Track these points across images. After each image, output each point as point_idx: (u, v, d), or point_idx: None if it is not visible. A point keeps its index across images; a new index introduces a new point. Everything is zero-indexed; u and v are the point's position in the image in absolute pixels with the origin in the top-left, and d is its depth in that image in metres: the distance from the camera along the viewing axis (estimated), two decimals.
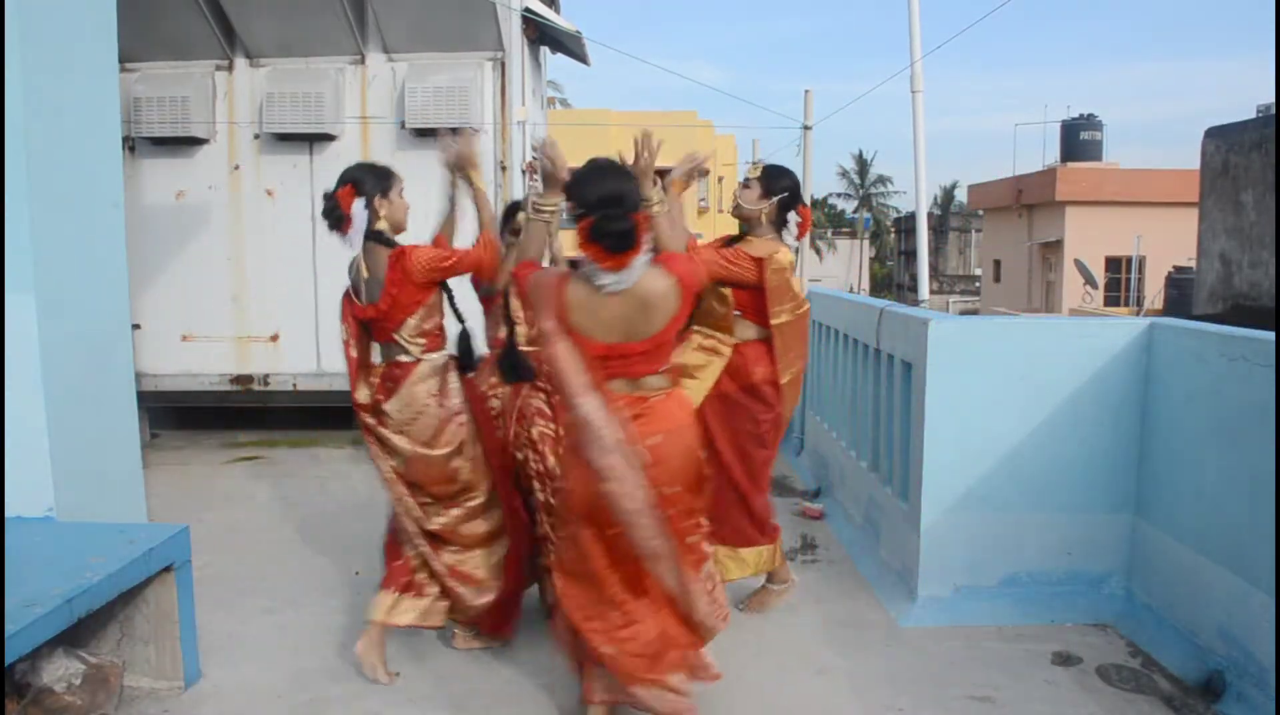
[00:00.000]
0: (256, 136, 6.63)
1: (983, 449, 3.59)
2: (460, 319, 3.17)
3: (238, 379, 6.77)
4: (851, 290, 32.07)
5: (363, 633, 3.10)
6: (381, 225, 3.00)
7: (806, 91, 14.25)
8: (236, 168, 6.69)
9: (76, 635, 2.83)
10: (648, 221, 2.47)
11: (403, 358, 3.03)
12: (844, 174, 46.27)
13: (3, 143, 2.94)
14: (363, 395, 3.07)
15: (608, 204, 2.36)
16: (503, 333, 3.45)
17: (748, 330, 3.42)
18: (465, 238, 3.27)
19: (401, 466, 3.07)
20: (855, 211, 46.31)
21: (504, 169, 6.57)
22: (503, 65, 6.54)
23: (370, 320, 3.02)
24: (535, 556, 3.48)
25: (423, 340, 3.02)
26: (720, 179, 27.51)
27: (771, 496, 3.80)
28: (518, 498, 3.40)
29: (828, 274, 37.59)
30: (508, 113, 6.57)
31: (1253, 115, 14.09)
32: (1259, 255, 10.69)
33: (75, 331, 3.26)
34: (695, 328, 3.46)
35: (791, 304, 3.38)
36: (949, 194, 44.55)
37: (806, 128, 14.13)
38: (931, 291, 17.87)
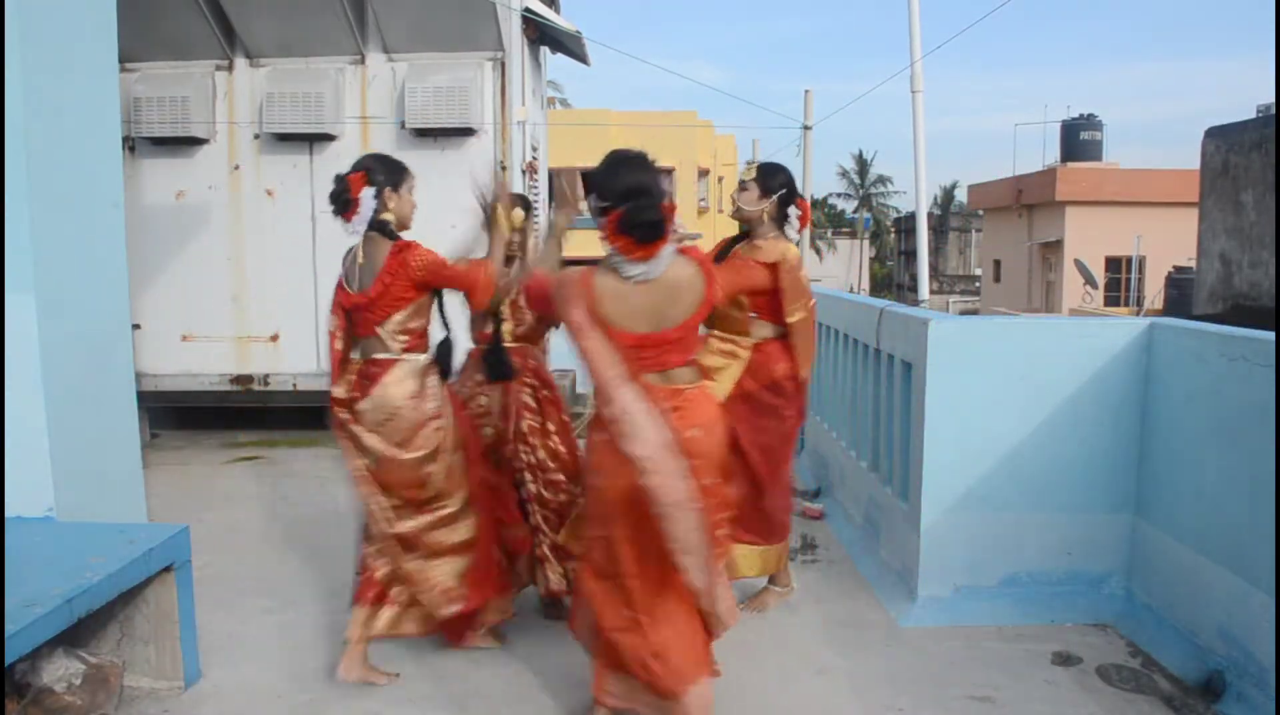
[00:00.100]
0: (256, 136, 6.64)
1: (983, 449, 3.59)
2: (446, 326, 3.11)
3: (238, 379, 6.77)
4: (851, 290, 32.08)
5: (343, 653, 3.02)
6: (388, 217, 2.98)
7: (806, 91, 14.29)
8: (236, 168, 6.69)
9: (76, 635, 2.83)
10: (673, 210, 2.48)
11: (380, 355, 2.96)
12: (844, 174, 46.31)
13: (3, 143, 2.94)
14: (340, 391, 3.00)
15: (635, 195, 2.38)
16: (489, 329, 3.47)
17: (764, 329, 3.48)
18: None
19: (373, 466, 2.99)
20: (855, 211, 46.33)
21: (504, 169, 6.57)
22: (503, 65, 6.54)
23: (356, 309, 2.96)
24: (531, 550, 3.51)
25: (405, 337, 2.96)
26: (720, 179, 27.53)
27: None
28: (502, 506, 3.37)
29: (828, 274, 37.61)
30: (508, 113, 6.57)
31: (1253, 115, 14.08)
32: (1259, 255, 10.69)
33: (75, 331, 3.26)
34: (712, 332, 3.51)
35: (804, 301, 3.45)
36: (949, 194, 44.57)
37: (806, 128, 14.15)
38: (931, 291, 17.89)
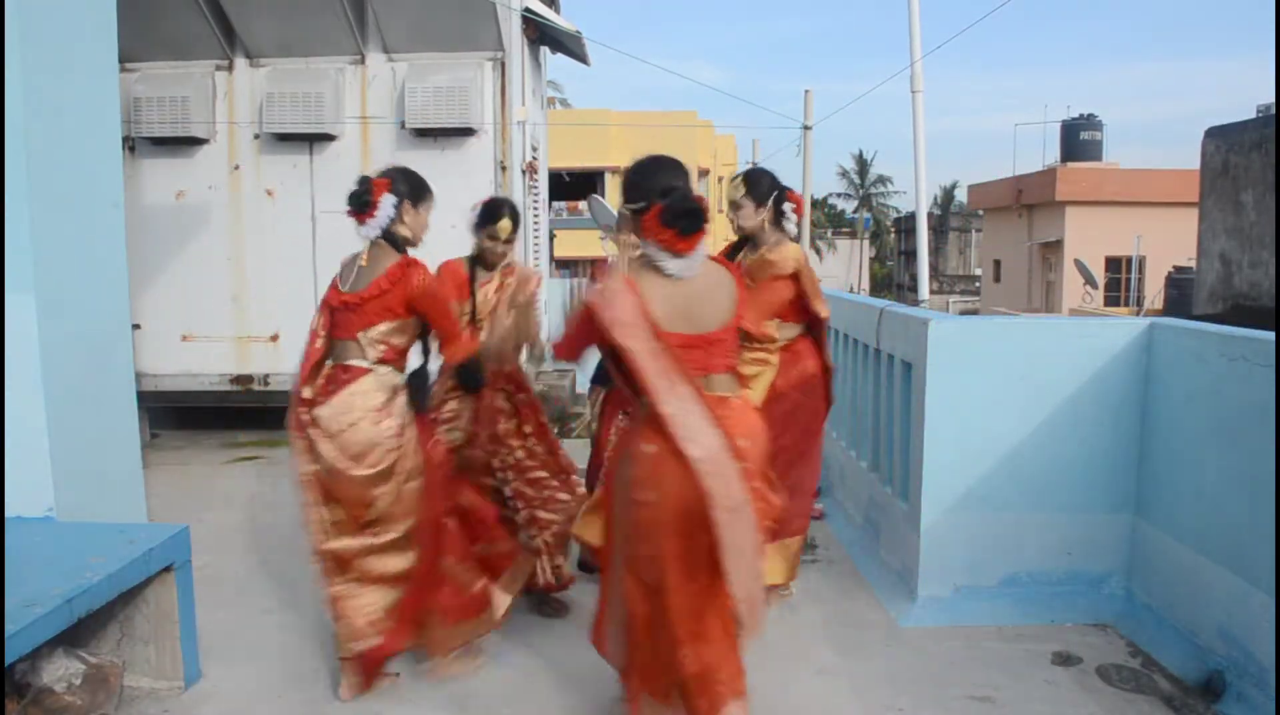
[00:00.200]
0: (256, 136, 6.64)
1: (983, 449, 3.59)
2: (425, 354, 3.05)
3: (238, 379, 6.77)
4: (851, 290, 32.10)
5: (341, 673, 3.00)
6: (401, 229, 2.95)
7: (806, 91, 14.29)
8: (236, 168, 6.69)
9: (76, 635, 2.83)
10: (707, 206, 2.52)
11: (354, 361, 2.87)
12: (844, 174, 46.32)
13: (3, 143, 2.94)
14: (307, 391, 2.92)
15: (672, 190, 2.41)
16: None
17: (790, 330, 3.55)
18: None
19: (324, 474, 2.87)
20: (855, 211, 46.35)
21: (504, 169, 6.57)
22: (503, 65, 6.55)
23: (344, 308, 2.90)
24: (514, 558, 3.51)
25: (383, 348, 2.88)
26: (720, 179, 27.53)
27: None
28: (479, 527, 3.26)
29: (828, 274, 37.62)
30: (508, 113, 6.57)
31: (1253, 115, 14.09)
32: (1259, 255, 10.69)
33: (75, 331, 3.26)
34: (742, 342, 3.53)
35: (821, 293, 3.55)
36: (949, 194, 44.58)
37: (806, 128, 14.15)
38: (931, 291, 17.89)
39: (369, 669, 2.97)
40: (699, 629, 2.41)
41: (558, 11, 8.25)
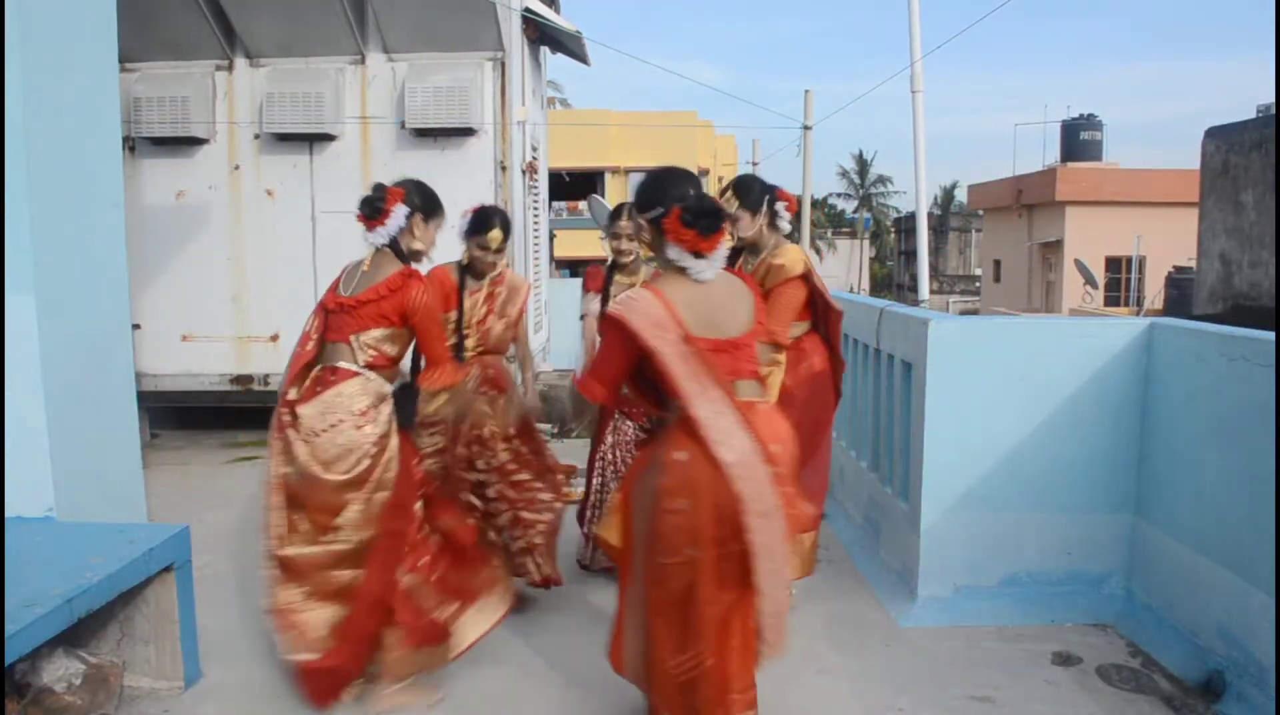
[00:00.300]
0: (256, 136, 6.64)
1: (983, 449, 3.59)
2: (415, 370, 3.02)
3: (238, 379, 6.77)
4: (851, 290, 32.11)
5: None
6: (409, 242, 2.94)
7: (806, 91, 14.30)
8: (236, 168, 6.69)
9: (76, 635, 2.83)
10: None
11: (343, 363, 2.84)
12: (844, 174, 46.30)
13: (3, 143, 2.94)
14: (293, 392, 2.88)
15: (688, 195, 2.46)
16: (451, 341, 3.48)
17: (797, 328, 3.55)
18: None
19: (294, 478, 2.80)
20: (855, 211, 46.34)
21: (504, 169, 6.57)
22: (503, 65, 6.55)
23: (339, 310, 2.87)
24: (510, 546, 3.60)
25: (373, 353, 2.85)
26: (720, 178, 27.53)
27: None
28: (411, 563, 2.97)
29: (828, 274, 37.60)
30: (508, 113, 6.57)
31: (1253, 115, 14.09)
32: (1259, 255, 10.69)
33: (75, 331, 3.26)
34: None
35: (827, 289, 3.57)
36: (949, 194, 44.57)
37: (806, 128, 14.15)
38: (931, 291, 17.90)
39: (323, 689, 2.86)
40: (724, 641, 2.39)
41: (558, 11, 8.25)
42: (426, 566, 2.89)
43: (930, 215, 19.13)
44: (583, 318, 4.29)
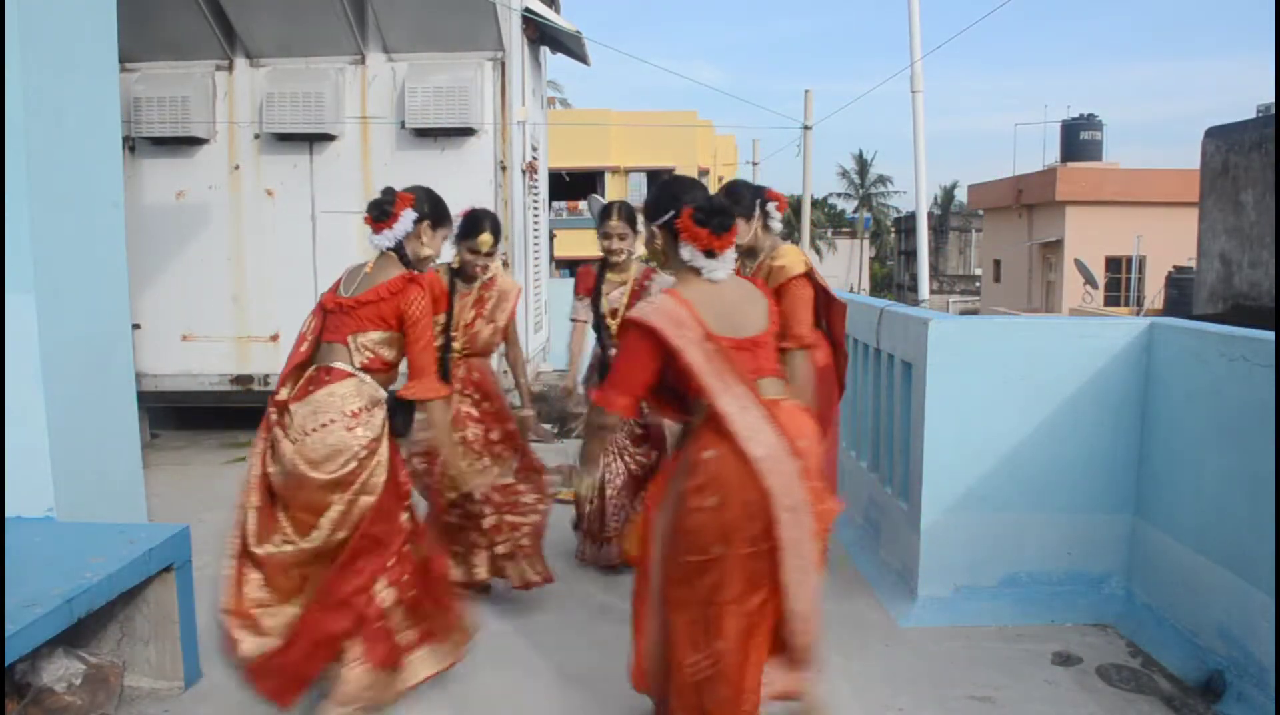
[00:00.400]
0: (256, 136, 6.64)
1: (983, 449, 3.59)
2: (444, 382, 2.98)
3: (238, 379, 6.77)
4: (851, 290, 32.09)
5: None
6: (415, 248, 2.91)
7: (806, 91, 14.30)
8: (236, 168, 6.69)
9: (76, 635, 2.83)
10: None
11: (339, 364, 2.78)
12: (844, 174, 46.27)
13: (3, 143, 2.94)
14: (284, 392, 2.82)
15: (694, 199, 2.48)
16: (439, 342, 3.50)
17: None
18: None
19: (278, 476, 2.73)
20: (855, 211, 46.32)
21: (504, 169, 6.57)
22: (503, 65, 6.55)
23: (338, 311, 2.83)
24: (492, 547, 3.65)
25: (369, 355, 2.79)
26: (720, 179, 27.53)
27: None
28: (392, 576, 2.84)
29: (828, 274, 37.21)
30: (508, 113, 6.57)
31: (1253, 115, 14.09)
32: (1259, 255, 10.70)
33: (75, 331, 3.26)
34: None
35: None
36: (949, 194, 44.56)
37: (806, 128, 14.16)
38: (931, 291, 17.89)
39: (280, 687, 2.72)
40: (745, 644, 2.37)
41: (558, 11, 8.25)
42: (405, 584, 2.79)
43: (930, 215, 19.13)
44: (573, 322, 4.32)
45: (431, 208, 2.94)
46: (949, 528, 3.62)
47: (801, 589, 2.34)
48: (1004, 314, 18.14)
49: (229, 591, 2.75)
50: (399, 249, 2.87)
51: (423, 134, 6.50)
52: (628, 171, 25.53)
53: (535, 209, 7.77)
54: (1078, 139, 26.76)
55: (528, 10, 7.04)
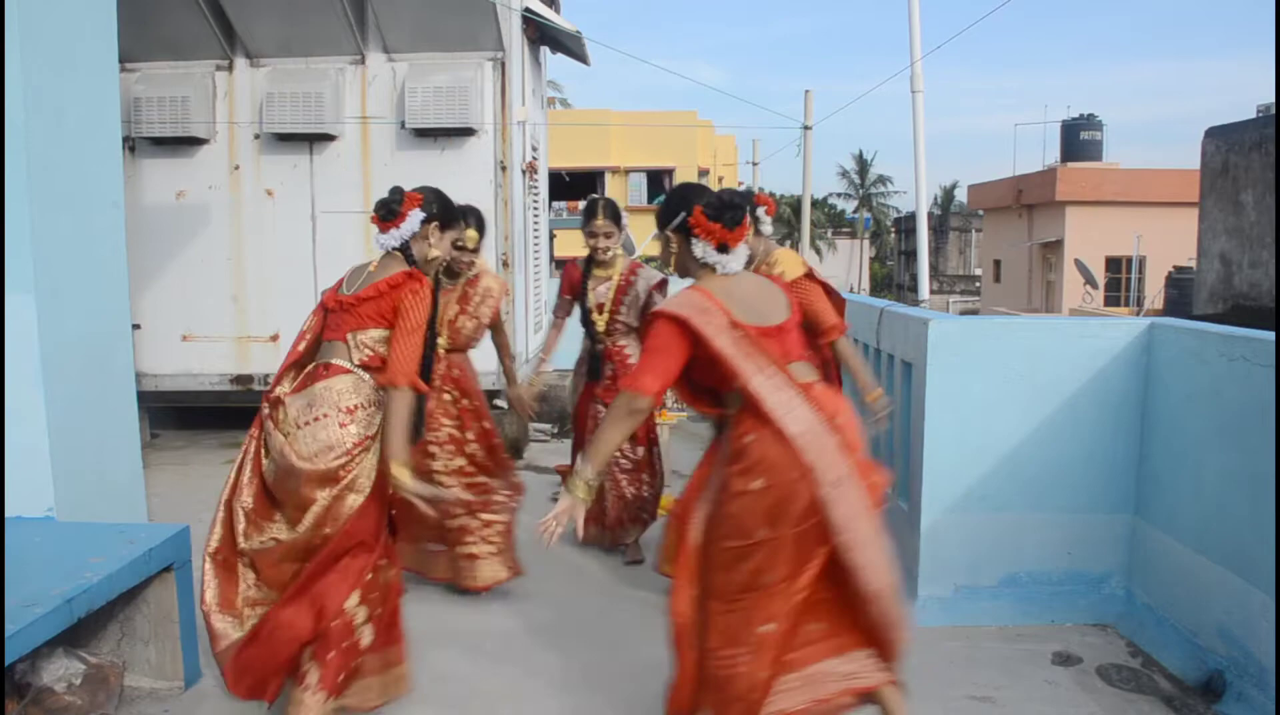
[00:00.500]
0: (256, 136, 6.63)
1: (983, 449, 3.59)
2: (425, 383, 2.89)
3: (238, 379, 6.77)
4: (852, 290, 32.08)
5: None
6: (429, 252, 2.88)
7: (806, 91, 14.29)
8: (236, 168, 6.69)
9: (76, 635, 2.83)
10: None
11: (337, 361, 2.73)
12: (844, 174, 46.30)
13: (3, 143, 2.94)
14: (280, 389, 2.77)
15: (709, 198, 2.52)
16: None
17: None
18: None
19: (269, 473, 2.70)
20: (855, 211, 46.33)
21: (504, 169, 6.57)
22: (503, 65, 6.54)
23: (339, 309, 2.79)
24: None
25: (369, 352, 2.73)
26: (720, 179, 27.53)
27: None
28: (373, 594, 2.75)
29: (828, 274, 37.26)
30: (508, 113, 6.56)
31: (1253, 115, 14.09)
32: (1259, 255, 10.70)
33: (75, 331, 3.26)
34: None
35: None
36: (949, 194, 44.57)
37: (806, 128, 14.15)
38: (931, 291, 17.88)
39: (249, 682, 2.66)
40: (790, 638, 2.33)
41: (558, 11, 8.25)
42: (374, 601, 2.70)
43: (930, 215, 19.13)
44: (555, 316, 4.35)
45: (440, 208, 2.90)
46: (949, 528, 3.62)
47: (871, 566, 2.29)
48: (1004, 314, 18.14)
49: (214, 589, 2.70)
50: (405, 249, 2.83)
51: (423, 134, 6.49)
52: (628, 171, 25.53)
53: (535, 209, 7.77)
54: (1078, 139, 26.76)
55: (528, 10, 7.03)
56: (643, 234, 15.33)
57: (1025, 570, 3.65)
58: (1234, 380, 3.01)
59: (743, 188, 29.51)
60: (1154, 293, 20.91)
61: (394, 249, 2.82)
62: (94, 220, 3.40)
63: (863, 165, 45.88)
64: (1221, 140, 11.50)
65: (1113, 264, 24.19)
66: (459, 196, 3.31)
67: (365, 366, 2.75)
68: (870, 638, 2.38)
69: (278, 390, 2.77)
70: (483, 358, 4.13)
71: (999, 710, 2.95)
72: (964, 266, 39.57)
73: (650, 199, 24.44)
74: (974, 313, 26.90)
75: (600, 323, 4.17)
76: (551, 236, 12.55)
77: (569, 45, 8.36)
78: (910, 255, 35.81)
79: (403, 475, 2.58)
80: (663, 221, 2.56)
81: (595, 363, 4.23)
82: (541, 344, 4.77)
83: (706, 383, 2.42)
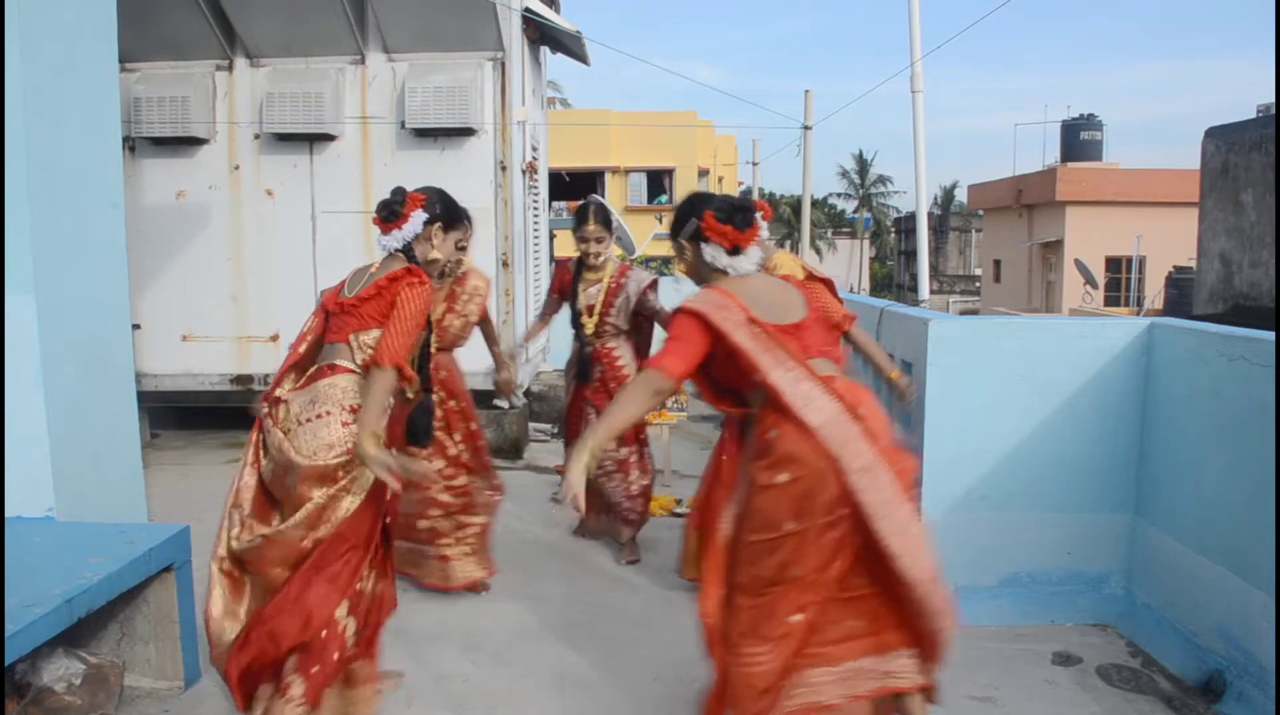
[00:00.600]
0: (257, 136, 6.64)
1: (983, 449, 3.59)
2: (427, 388, 2.87)
3: (238, 379, 6.77)
4: (852, 290, 32.09)
5: None
6: (432, 253, 2.85)
7: (806, 91, 14.29)
8: (237, 168, 6.69)
9: (76, 635, 2.83)
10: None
11: (340, 361, 2.68)
12: (844, 174, 46.31)
13: (3, 143, 2.94)
14: (280, 389, 2.73)
15: (718, 202, 2.55)
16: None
17: None
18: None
19: (267, 472, 2.67)
20: (855, 211, 46.34)
21: (504, 169, 6.57)
22: (503, 65, 6.54)
23: (340, 311, 2.75)
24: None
25: (371, 352, 2.66)
26: (720, 179, 27.52)
27: None
28: (356, 597, 2.68)
29: (828, 274, 37.55)
30: (508, 113, 6.56)
31: (1253, 115, 14.09)
32: (1259, 255, 10.70)
33: (75, 331, 3.26)
34: None
35: None
36: (949, 194, 44.58)
37: (806, 128, 14.14)
38: (932, 291, 17.88)
39: (247, 684, 2.63)
40: (838, 619, 2.33)
41: (558, 11, 8.25)
42: (362, 611, 2.66)
43: (930, 215, 19.12)
44: (541, 315, 4.38)
45: (444, 209, 2.88)
46: (949, 528, 3.61)
47: (909, 553, 2.27)
48: (1004, 314, 18.14)
49: (220, 602, 2.66)
50: (407, 251, 2.80)
51: (423, 134, 6.49)
52: (628, 171, 25.53)
53: (535, 209, 7.77)
54: (1078, 139, 26.76)
55: (528, 10, 7.03)
56: (643, 234, 15.33)
57: (1025, 570, 3.65)
58: (1234, 380, 3.01)
59: (743, 188, 29.55)
60: (1154, 293, 20.91)
61: (396, 250, 2.80)
62: (94, 220, 3.40)
63: (863, 165, 45.89)
64: (1221, 140, 11.50)
65: (1113, 264, 24.19)
66: (459, 197, 3.30)
67: (369, 367, 2.71)
68: (914, 636, 2.38)
69: (277, 391, 2.75)
70: (471, 358, 4.16)
71: (999, 710, 2.95)
72: (964, 266, 39.56)
73: (650, 199, 24.44)
74: (974, 313, 26.90)
75: (590, 325, 4.18)
76: (551, 236, 12.53)
77: (569, 45, 8.36)
78: (910, 255, 35.82)
79: (368, 445, 2.50)
80: (675, 231, 2.59)
81: (584, 365, 4.25)
82: (525, 332, 4.91)
83: (728, 381, 2.43)
